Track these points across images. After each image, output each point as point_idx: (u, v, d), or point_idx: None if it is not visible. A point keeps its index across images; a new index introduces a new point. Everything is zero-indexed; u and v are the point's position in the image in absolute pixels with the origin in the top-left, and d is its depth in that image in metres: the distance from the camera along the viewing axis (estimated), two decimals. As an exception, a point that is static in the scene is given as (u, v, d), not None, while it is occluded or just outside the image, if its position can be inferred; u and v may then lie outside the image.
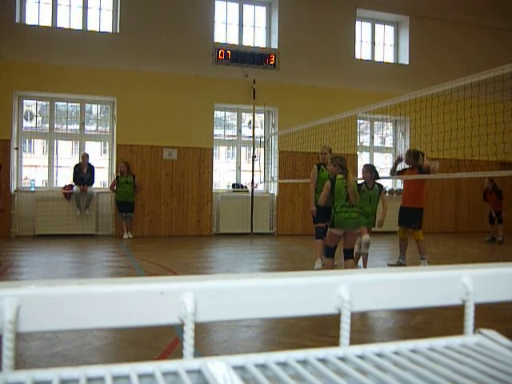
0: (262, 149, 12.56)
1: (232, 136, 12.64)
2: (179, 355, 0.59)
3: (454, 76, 6.31)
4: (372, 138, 13.62)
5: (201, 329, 3.59)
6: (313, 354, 0.58)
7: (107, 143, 11.83)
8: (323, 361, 0.57)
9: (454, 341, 0.63)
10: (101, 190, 11.40)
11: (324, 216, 6.61)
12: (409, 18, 13.48)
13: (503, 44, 13.55)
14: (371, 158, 13.57)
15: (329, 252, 5.57)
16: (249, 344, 3.53)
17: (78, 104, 11.51)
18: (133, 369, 0.52)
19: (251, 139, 12.16)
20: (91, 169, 10.88)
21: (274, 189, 12.46)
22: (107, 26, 11.50)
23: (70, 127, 11.56)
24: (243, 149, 12.77)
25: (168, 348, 3.30)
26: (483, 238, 11.07)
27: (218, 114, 12.31)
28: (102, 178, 12.08)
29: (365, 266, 6.35)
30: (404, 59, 13.66)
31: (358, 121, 12.87)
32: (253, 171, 11.91)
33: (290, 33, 12.35)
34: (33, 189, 10.97)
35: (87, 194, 10.76)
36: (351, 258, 5.58)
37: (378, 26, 13.82)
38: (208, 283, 0.60)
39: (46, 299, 0.55)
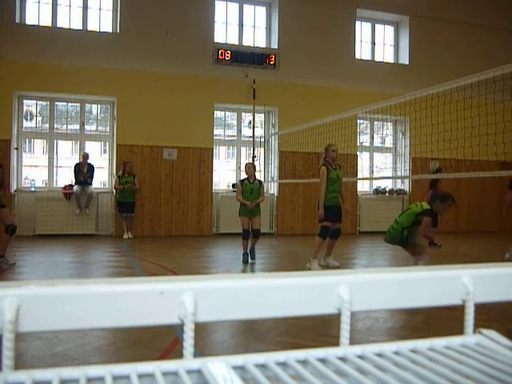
0: (262, 149, 12.57)
1: (232, 136, 12.64)
2: (179, 355, 0.59)
3: (454, 76, 6.31)
4: (372, 137, 13.62)
5: (201, 329, 3.60)
6: (313, 353, 0.58)
7: (107, 143, 11.83)
8: (323, 361, 0.57)
9: (454, 341, 0.63)
10: (101, 190, 11.41)
11: (331, 215, 6.64)
12: (409, 18, 13.48)
13: (503, 44, 13.54)
14: (371, 157, 13.58)
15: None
16: (249, 344, 3.53)
17: (77, 104, 11.51)
18: (133, 369, 0.52)
19: (251, 139, 12.16)
20: (91, 168, 10.89)
21: (274, 189, 12.46)
22: (107, 26, 11.50)
23: (70, 127, 11.57)
24: (243, 149, 12.77)
25: (168, 348, 3.30)
26: (484, 239, 11.05)
27: (218, 113, 12.31)
28: (102, 178, 12.08)
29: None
30: (404, 59, 13.66)
31: (358, 121, 12.87)
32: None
33: (290, 33, 12.34)
34: (33, 189, 10.97)
35: (87, 194, 10.77)
36: None
37: (378, 26, 13.81)
38: (208, 283, 0.60)
39: (46, 299, 0.55)
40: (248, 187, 7.33)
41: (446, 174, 9.34)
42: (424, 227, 5.65)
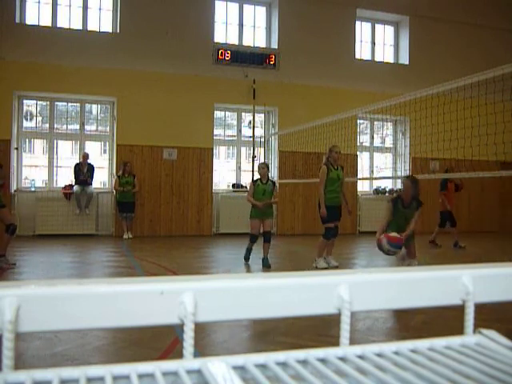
0: (262, 149, 12.56)
1: (232, 136, 12.64)
2: (179, 355, 0.59)
3: (454, 76, 6.31)
4: (372, 137, 13.62)
5: (201, 329, 3.60)
6: (313, 353, 0.58)
7: (107, 143, 11.83)
8: (323, 361, 0.57)
9: (454, 341, 0.63)
10: (101, 190, 11.40)
11: (330, 215, 6.68)
12: (409, 18, 13.48)
13: (503, 44, 13.54)
14: (371, 157, 13.58)
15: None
16: (249, 344, 3.53)
17: (77, 104, 11.51)
18: (133, 369, 0.52)
19: (251, 139, 12.16)
20: (91, 168, 10.90)
21: (274, 189, 12.44)
22: (107, 26, 11.50)
23: (70, 127, 11.57)
24: (243, 149, 12.77)
25: (168, 348, 3.30)
26: (484, 239, 11.03)
27: (218, 113, 12.31)
28: (102, 178, 12.08)
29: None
30: (404, 59, 13.66)
31: (358, 121, 12.86)
32: (253, 171, 11.90)
33: (290, 33, 12.34)
34: (33, 189, 10.97)
35: (87, 194, 10.77)
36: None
37: (378, 26, 13.81)
38: (208, 283, 0.60)
39: (46, 299, 0.55)
40: (260, 188, 7.06)
41: (445, 173, 9.34)
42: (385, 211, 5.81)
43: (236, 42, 12.35)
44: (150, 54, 11.24)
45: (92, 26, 11.44)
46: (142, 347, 3.32)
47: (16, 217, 10.41)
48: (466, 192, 13.29)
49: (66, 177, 11.37)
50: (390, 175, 13.58)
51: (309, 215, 11.89)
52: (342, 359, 0.57)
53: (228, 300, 0.60)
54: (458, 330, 0.69)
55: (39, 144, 13.35)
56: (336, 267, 6.82)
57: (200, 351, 3.21)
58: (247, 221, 11.71)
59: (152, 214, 11.31)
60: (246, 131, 12.61)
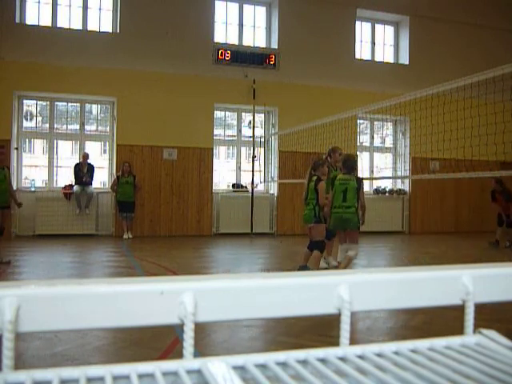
0: (262, 149, 12.56)
1: (232, 136, 12.64)
2: (179, 355, 0.59)
3: (454, 76, 6.31)
4: (372, 137, 13.62)
5: (201, 329, 3.59)
6: (313, 353, 0.58)
7: (107, 143, 11.83)
8: (323, 361, 0.57)
9: (454, 341, 0.63)
10: (101, 190, 11.40)
11: None
12: (409, 18, 13.48)
13: (503, 44, 13.54)
14: (371, 157, 13.57)
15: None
16: (249, 344, 3.53)
17: (77, 104, 11.51)
18: (133, 369, 0.52)
19: (251, 139, 12.16)
20: (91, 168, 10.90)
21: (274, 189, 12.45)
22: (107, 26, 11.50)
23: (70, 127, 11.56)
24: (243, 149, 12.76)
25: (168, 348, 3.30)
26: (484, 239, 11.01)
27: (217, 113, 12.31)
28: (102, 178, 12.08)
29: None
30: (404, 59, 13.66)
31: (358, 121, 12.86)
32: (253, 171, 11.90)
33: (290, 33, 12.34)
34: (33, 189, 10.97)
35: (87, 194, 10.77)
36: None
37: (378, 26, 13.81)
38: (208, 283, 0.60)
39: (46, 299, 0.55)
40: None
41: (445, 174, 9.34)
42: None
43: (236, 42, 12.35)
44: (150, 54, 11.24)
45: (92, 25, 11.44)
46: (142, 347, 3.32)
47: (16, 217, 10.42)
48: (466, 192, 13.30)
49: (66, 177, 11.37)
50: (390, 175, 13.58)
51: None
52: (342, 359, 0.57)
53: (228, 300, 0.60)
54: (458, 330, 0.69)
55: (39, 144, 13.35)
56: (336, 267, 6.83)
57: (200, 351, 3.21)
58: (247, 221, 11.75)
59: (152, 214, 11.31)
60: (246, 131, 12.61)
